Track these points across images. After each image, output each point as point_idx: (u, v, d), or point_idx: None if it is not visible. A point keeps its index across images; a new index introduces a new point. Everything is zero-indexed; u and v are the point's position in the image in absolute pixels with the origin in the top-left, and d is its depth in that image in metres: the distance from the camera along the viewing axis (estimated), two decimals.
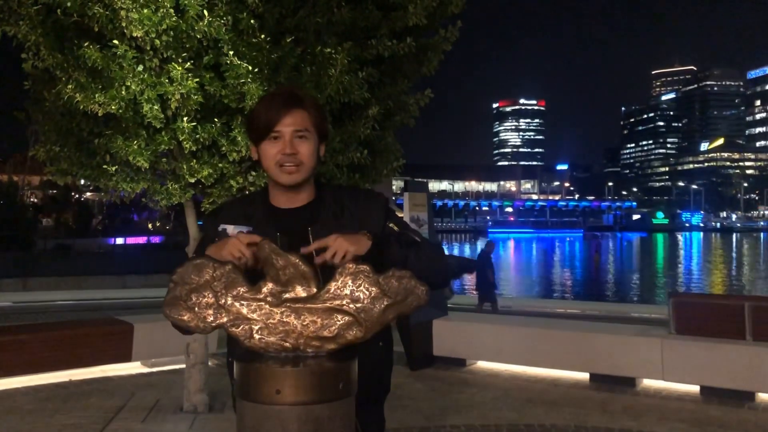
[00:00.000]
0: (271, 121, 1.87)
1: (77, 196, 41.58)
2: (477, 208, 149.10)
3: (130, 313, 7.86)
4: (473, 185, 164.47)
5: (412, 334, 7.35)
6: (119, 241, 33.34)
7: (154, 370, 7.18)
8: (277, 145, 1.88)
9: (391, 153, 5.82)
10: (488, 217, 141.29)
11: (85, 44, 4.47)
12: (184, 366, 5.75)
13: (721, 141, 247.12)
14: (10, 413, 5.60)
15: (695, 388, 6.40)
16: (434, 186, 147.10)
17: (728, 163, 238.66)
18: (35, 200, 41.22)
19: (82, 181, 5.70)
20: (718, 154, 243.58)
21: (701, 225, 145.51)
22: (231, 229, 1.91)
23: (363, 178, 5.54)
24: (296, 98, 1.90)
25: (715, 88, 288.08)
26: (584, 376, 6.93)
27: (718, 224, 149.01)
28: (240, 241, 1.76)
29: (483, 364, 7.59)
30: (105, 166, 4.97)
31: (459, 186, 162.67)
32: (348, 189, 2.10)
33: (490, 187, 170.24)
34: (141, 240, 34.45)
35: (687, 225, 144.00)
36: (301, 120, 1.88)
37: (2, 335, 6.63)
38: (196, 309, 1.70)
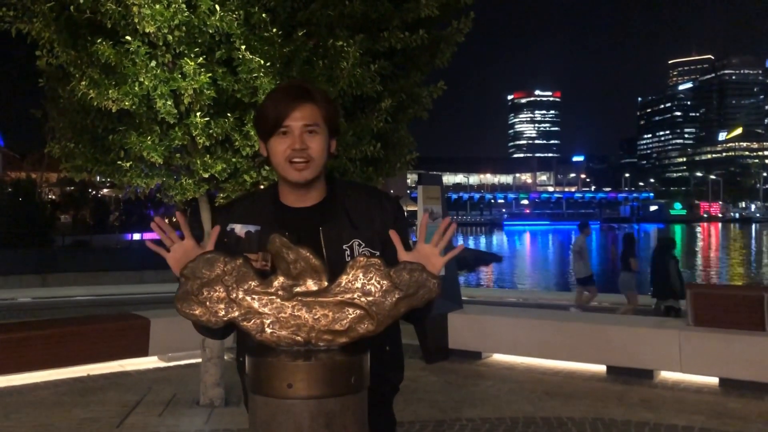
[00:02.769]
0: (280, 116, 1.80)
1: (94, 192, 41.92)
2: (492, 201, 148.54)
3: (146, 308, 7.92)
4: (488, 178, 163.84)
5: (427, 327, 7.34)
6: (136, 236, 33.58)
7: (171, 364, 7.24)
8: (286, 140, 1.82)
9: (405, 146, 5.80)
10: (504, 210, 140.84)
11: (98, 41, 4.49)
12: (200, 360, 5.79)
13: (739, 130, 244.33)
14: (30, 407, 5.66)
15: (714, 380, 6.35)
16: (449, 179, 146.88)
17: (747, 153, 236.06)
18: (53, 197, 41.59)
19: (99, 178, 5.73)
20: (737, 143, 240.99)
21: (719, 215, 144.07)
22: (239, 228, 1.89)
23: (376, 172, 5.53)
24: (305, 92, 1.84)
25: (733, 77, 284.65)
26: (601, 368, 6.88)
27: (737, 215, 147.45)
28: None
29: (498, 357, 7.57)
30: (119, 162, 5.00)
31: (474, 179, 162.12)
32: (360, 188, 2.04)
33: (506, 179, 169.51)
34: (158, 236, 34.65)
35: (705, 215, 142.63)
36: (310, 114, 1.82)
37: (22, 330, 6.71)
38: (208, 303, 1.70)
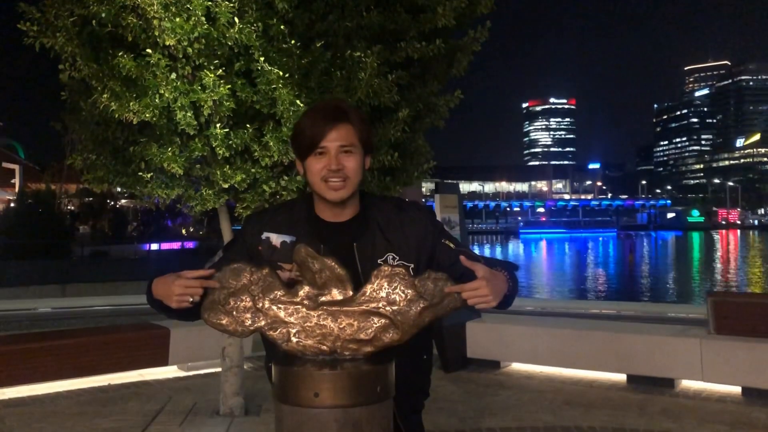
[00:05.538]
0: (316, 137, 1.86)
1: (113, 203, 42.30)
2: (508, 209, 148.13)
3: (166, 317, 7.96)
4: (504, 186, 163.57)
5: (445, 336, 7.33)
6: (154, 246, 33.78)
7: (191, 373, 7.26)
8: (322, 160, 1.87)
9: (422, 155, 5.80)
10: (519, 218, 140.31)
11: (120, 54, 4.55)
12: (220, 370, 5.81)
13: (757, 136, 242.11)
14: (52, 417, 5.72)
15: (737, 390, 6.27)
16: (464, 187, 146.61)
17: (765, 159, 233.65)
18: (72, 208, 41.99)
19: (118, 189, 5.81)
20: (755, 149, 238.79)
21: (738, 222, 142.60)
22: (275, 238, 1.91)
23: (394, 181, 5.54)
24: (341, 112, 1.89)
25: (750, 83, 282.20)
26: (621, 377, 6.83)
27: (756, 221, 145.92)
28: (186, 278, 1.76)
29: (518, 366, 7.53)
30: (140, 174, 5.05)
31: (489, 187, 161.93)
32: (390, 201, 2.07)
33: (521, 187, 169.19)
34: (175, 245, 34.86)
35: (723, 223, 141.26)
36: (346, 135, 1.87)
37: (43, 341, 6.77)
38: (235, 313, 1.72)
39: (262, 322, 1.71)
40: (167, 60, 4.59)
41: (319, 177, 1.87)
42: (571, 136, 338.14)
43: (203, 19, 4.46)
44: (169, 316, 1.91)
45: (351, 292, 1.69)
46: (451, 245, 1.97)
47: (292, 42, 4.53)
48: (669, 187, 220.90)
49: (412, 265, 1.90)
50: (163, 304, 1.81)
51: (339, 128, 1.86)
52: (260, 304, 1.71)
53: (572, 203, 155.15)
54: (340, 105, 1.94)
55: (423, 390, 2.05)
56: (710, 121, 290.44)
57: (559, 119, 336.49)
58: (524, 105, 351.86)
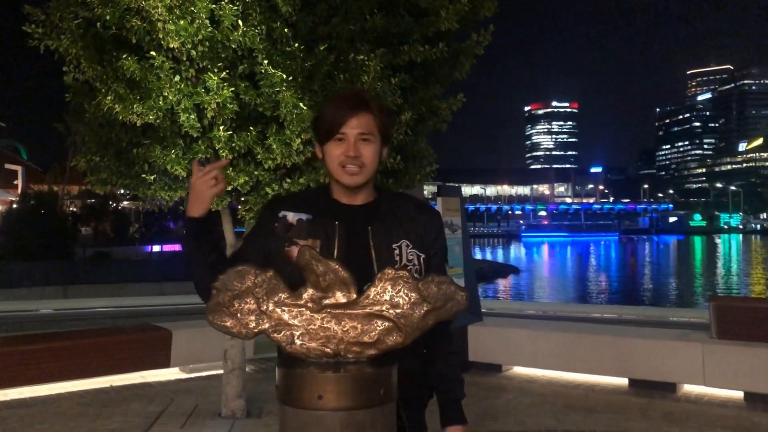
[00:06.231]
0: (337, 123, 1.90)
1: (115, 205, 42.27)
2: (510, 212, 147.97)
3: (167, 319, 7.95)
4: (506, 189, 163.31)
5: None
6: (156, 248, 33.78)
7: (192, 375, 7.27)
8: (341, 146, 1.91)
9: (424, 158, 5.82)
10: (521, 221, 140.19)
11: (124, 56, 4.57)
12: (221, 372, 5.81)
13: (759, 141, 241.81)
14: (54, 418, 5.72)
15: (739, 394, 6.26)
16: (466, 190, 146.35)
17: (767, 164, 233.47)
18: (74, 209, 41.96)
19: (121, 191, 5.82)
20: (757, 154, 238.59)
21: (740, 227, 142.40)
22: (291, 215, 1.95)
23: (396, 184, 5.55)
24: (363, 101, 1.94)
25: (753, 87, 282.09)
26: (623, 381, 6.83)
27: (758, 226, 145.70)
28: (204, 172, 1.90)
29: (519, 370, 7.53)
30: (144, 175, 5.07)
31: (491, 190, 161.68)
32: (407, 197, 2.12)
33: (523, 190, 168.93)
34: (177, 247, 34.86)
35: (725, 227, 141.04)
36: (366, 123, 1.91)
37: (45, 342, 6.78)
38: (239, 315, 1.72)
39: (266, 325, 1.71)
40: (171, 62, 4.60)
41: (337, 162, 1.92)
42: (574, 139, 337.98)
43: (207, 21, 4.47)
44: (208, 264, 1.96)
45: (355, 295, 1.70)
46: (445, 267, 2.03)
47: (296, 45, 4.55)
48: (671, 191, 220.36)
49: (424, 256, 1.95)
50: (202, 249, 1.93)
51: (359, 116, 1.91)
52: (264, 307, 1.71)
53: (574, 207, 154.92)
54: (362, 94, 2.00)
55: (426, 386, 2.07)
56: (713, 125, 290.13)
57: (562, 123, 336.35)
58: (527, 108, 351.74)
